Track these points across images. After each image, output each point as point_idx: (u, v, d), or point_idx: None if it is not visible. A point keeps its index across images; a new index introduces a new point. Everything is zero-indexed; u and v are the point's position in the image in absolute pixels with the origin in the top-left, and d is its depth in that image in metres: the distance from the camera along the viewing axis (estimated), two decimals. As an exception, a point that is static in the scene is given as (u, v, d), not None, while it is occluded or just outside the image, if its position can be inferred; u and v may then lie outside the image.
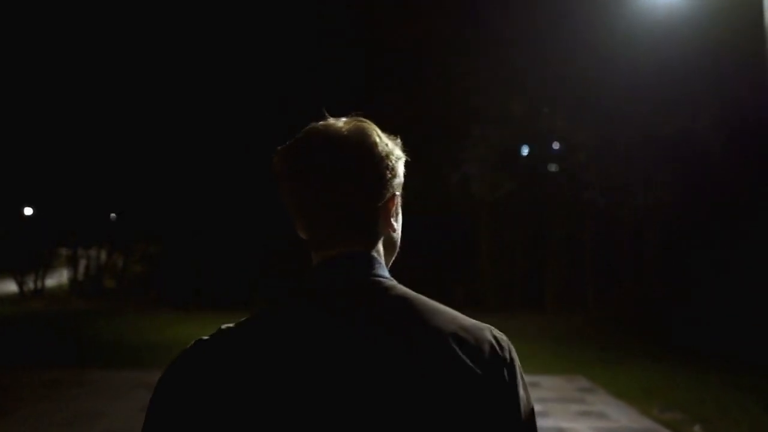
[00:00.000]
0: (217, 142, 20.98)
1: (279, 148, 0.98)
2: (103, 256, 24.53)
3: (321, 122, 0.98)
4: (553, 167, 16.44)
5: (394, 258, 1.04)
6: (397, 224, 1.00)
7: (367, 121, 1.00)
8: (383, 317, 0.87)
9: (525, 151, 17.20)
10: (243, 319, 0.91)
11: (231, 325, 0.90)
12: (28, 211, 24.32)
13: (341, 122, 0.98)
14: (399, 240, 1.03)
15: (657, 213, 13.86)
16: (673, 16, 11.46)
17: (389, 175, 0.95)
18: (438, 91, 14.70)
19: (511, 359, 0.90)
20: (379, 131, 0.99)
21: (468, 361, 0.85)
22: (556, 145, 16.12)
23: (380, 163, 0.94)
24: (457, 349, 0.85)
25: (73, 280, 22.26)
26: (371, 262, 0.93)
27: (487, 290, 15.57)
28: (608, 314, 14.47)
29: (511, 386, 0.88)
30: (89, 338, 12.03)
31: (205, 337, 0.89)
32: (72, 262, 22.42)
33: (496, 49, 13.38)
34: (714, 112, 11.59)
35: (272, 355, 0.84)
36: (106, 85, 21.08)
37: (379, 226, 0.96)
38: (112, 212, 23.23)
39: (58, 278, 23.74)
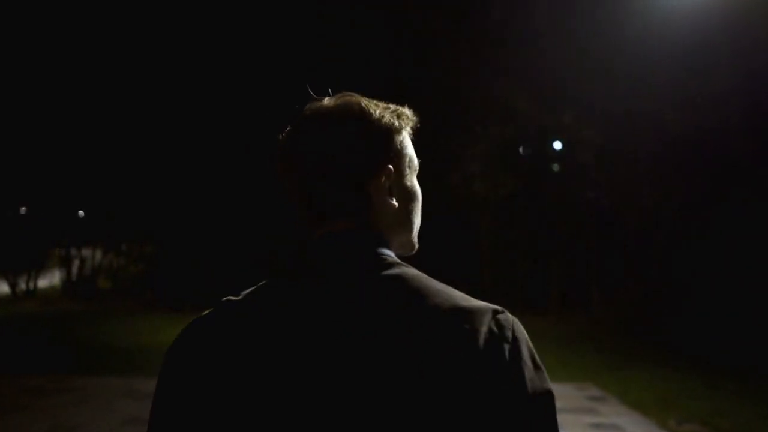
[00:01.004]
0: (216, 140, 20.74)
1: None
2: (98, 256, 24.16)
3: (312, 103, 0.99)
4: (555, 167, 16.17)
5: (408, 236, 1.00)
6: (398, 200, 0.97)
7: (356, 95, 0.98)
8: (379, 294, 0.86)
9: (524, 151, 16.94)
10: (245, 291, 0.92)
11: (233, 297, 0.92)
12: (22, 210, 23.92)
13: (327, 99, 0.98)
14: (409, 217, 1.00)
15: (665, 213, 13.44)
16: (690, 7, 11.09)
17: (377, 147, 0.94)
18: (439, 86, 14.36)
19: (515, 338, 0.85)
20: (371, 102, 0.97)
21: (466, 340, 0.82)
22: (558, 145, 15.93)
23: (366, 135, 0.93)
24: (455, 328, 0.83)
25: (66, 281, 21.84)
26: (368, 238, 0.92)
27: (487, 291, 15.18)
28: (612, 317, 14.08)
29: (514, 367, 0.83)
30: (79, 341, 11.61)
31: (206, 312, 0.91)
32: (65, 263, 21.99)
33: (501, 43, 13.02)
34: (734, 109, 11.17)
35: (269, 330, 0.85)
36: (101, 82, 20.76)
37: (373, 201, 0.94)
38: (80, 210, 22.66)
39: (50, 279, 23.34)
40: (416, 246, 1.03)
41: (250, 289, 0.93)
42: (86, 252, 24.20)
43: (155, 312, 17.19)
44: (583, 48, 11.96)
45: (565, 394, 7.73)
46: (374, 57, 17.25)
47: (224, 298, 0.93)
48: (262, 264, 20.81)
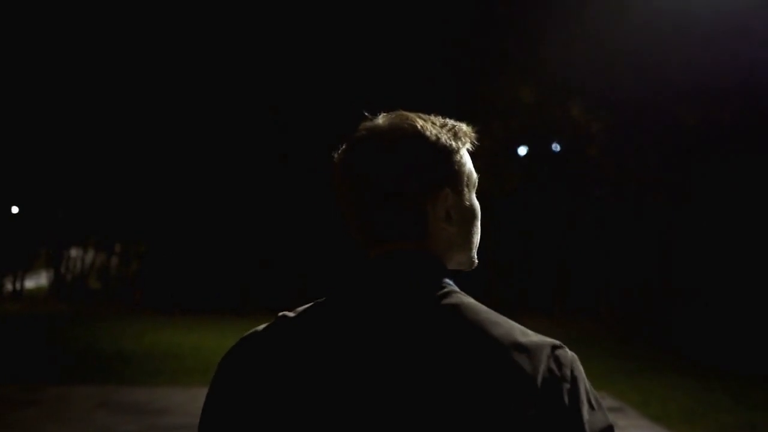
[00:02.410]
0: (208, 146, 20.40)
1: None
2: (90, 256, 23.61)
3: (366, 122, 0.97)
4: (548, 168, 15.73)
5: (467, 255, 0.97)
6: (457, 221, 0.93)
7: (410, 114, 0.96)
8: (434, 324, 0.83)
9: (524, 151, 16.78)
10: (300, 308, 0.93)
11: (290, 314, 0.92)
12: (14, 209, 23.24)
13: (382, 118, 0.96)
14: (468, 238, 0.97)
15: (674, 212, 12.85)
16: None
17: (433, 170, 0.91)
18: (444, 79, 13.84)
19: (573, 378, 0.81)
20: (427, 122, 0.95)
21: (524, 379, 0.78)
22: (556, 147, 15.65)
23: (421, 157, 0.91)
24: (513, 365, 0.79)
25: (53, 282, 21.25)
26: (425, 262, 0.90)
27: (492, 294, 14.60)
28: (617, 318, 13.49)
29: (572, 408, 0.79)
30: (60, 346, 10.97)
31: (262, 326, 0.92)
32: (53, 263, 21.39)
33: (508, 35, 12.50)
34: (740, 102, 10.61)
35: (321, 352, 0.84)
36: (97, 83, 20.31)
37: (429, 224, 0.91)
38: (64, 209, 21.92)
39: (37, 280, 22.69)
40: (476, 262, 1.01)
41: (306, 306, 0.93)
42: (76, 252, 23.66)
43: (143, 315, 16.51)
44: (593, 40, 11.40)
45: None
46: (374, 53, 16.83)
47: (280, 314, 0.93)
48: (253, 269, 20.51)
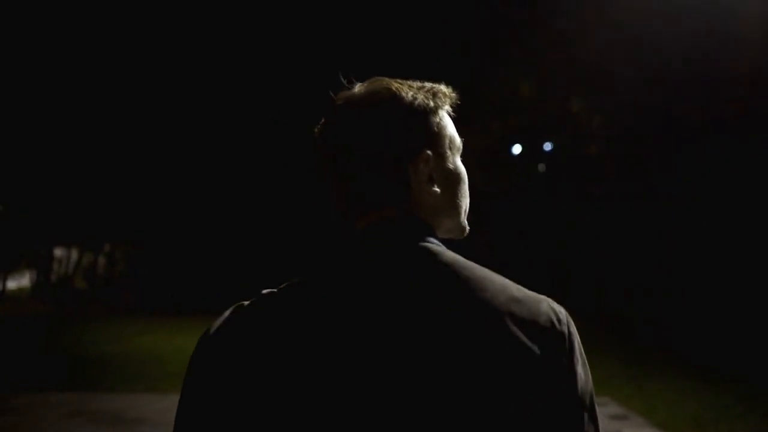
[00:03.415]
0: (200, 144, 20.07)
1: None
2: (75, 255, 23.14)
3: (343, 91, 0.95)
4: (541, 167, 15.62)
5: (455, 221, 0.95)
6: (441, 185, 0.91)
7: (386, 78, 0.95)
8: (428, 287, 0.81)
9: (517, 150, 16.45)
10: (284, 284, 0.87)
11: (273, 290, 0.87)
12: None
13: (358, 86, 0.95)
14: (454, 201, 0.94)
15: (677, 210, 12.50)
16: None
17: (412, 132, 0.90)
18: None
19: (570, 333, 0.83)
20: (403, 84, 0.93)
21: (522, 336, 0.79)
22: (547, 146, 15.54)
23: (398, 119, 0.89)
24: (511, 323, 0.79)
25: (37, 283, 20.74)
26: (412, 226, 0.89)
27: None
28: (621, 321, 13.12)
29: (569, 364, 0.81)
30: (37, 350, 10.49)
31: (246, 302, 0.87)
32: (36, 263, 20.88)
33: (507, 33, 12.19)
34: (745, 97, 10.27)
35: (309, 325, 0.80)
36: (82, 81, 19.86)
37: (412, 188, 0.90)
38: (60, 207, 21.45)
39: (19, 280, 22.14)
40: (467, 229, 0.98)
41: (292, 281, 0.87)
42: (61, 252, 23.17)
43: (129, 316, 16.03)
44: (593, 33, 11.05)
45: (581, 412, 6.73)
46: (372, 48, 16.54)
47: (264, 290, 0.87)
48: (245, 269, 20.17)
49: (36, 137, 19.96)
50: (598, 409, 0.84)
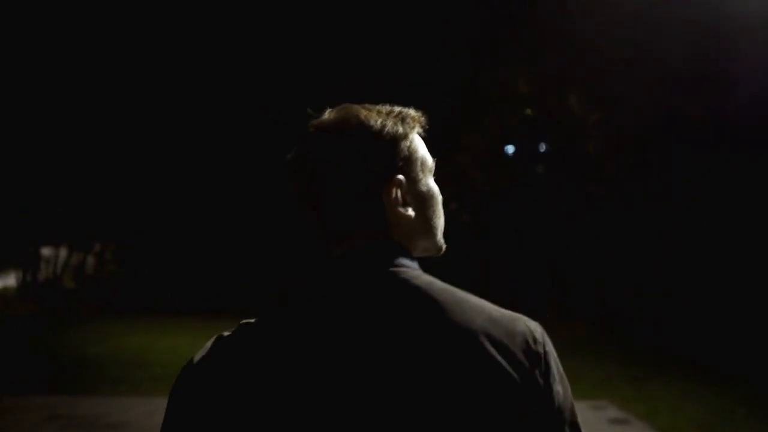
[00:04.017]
0: (191, 144, 19.81)
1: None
2: (63, 255, 22.81)
3: (313, 119, 0.97)
4: (541, 167, 15.53)
5: (431, 241, 0.97)
6: (415, 207, 0.93)
7: (355, 106, 0.96)
8: (402, 312, 0.82)
9: (511, 149, 16.27)
10: (261, 314, 0.89)
11: (251, 320, 0.89)
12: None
13: (328, 113, 0.96)
14: (429, 223, 0.96)
15: (677, 210, 12.33)
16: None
17: (382, 158, 0.91)
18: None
19: (546, 352, 0.84)
20: (372, 111, 0.95)
21: (499, 357, 0.80)
22: (542, 147, 15.42)
23: (368, 147, 0.91)
24: (487, 344, 0.80)
25: (23, 282, 20.38)
26: (386, 251, 0.89)
27: (482, 296, 14.00)
28: (620, 322, 12.93)
29: (546, 382, 0.82)
30: (19, 351, 10.16)
31: (226, 333, 0.88)
32: (21, 263, 20.55)
33: (506, 26, 12.02)
34: (746, 93, 10.09)
35: (287, 357, 0.81)
36: (69, 78, 19.51)
37: (387, 212, 0.91)
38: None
39: (5, 280, 21.75)
40: (443, 246, 1.00)
41: (270, 310, 0.89)
42: (49, 251, 22.82)
43: (117, 316, 15.68)
44: (592, 29, 10.87)
45: (580, 416, 6.51)
46: (368, 47, 16.36)
47: (243, 321, 0.89)
48: (234, 269, 19.97)
49: (23, 136, 19.62)
50: (580, 421, 0.86)
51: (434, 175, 1.00)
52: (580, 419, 0.86)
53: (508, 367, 0.79)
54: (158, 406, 6.66)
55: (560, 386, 0.84)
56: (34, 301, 19.15)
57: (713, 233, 11.79)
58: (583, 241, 14.07)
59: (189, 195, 20.31)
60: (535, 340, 0.84)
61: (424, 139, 0.99)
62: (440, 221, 0.98)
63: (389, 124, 0.92)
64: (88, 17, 19.32)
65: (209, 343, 0.87)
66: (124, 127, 19.93)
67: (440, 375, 0.77)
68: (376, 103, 0.98)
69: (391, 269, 0.87)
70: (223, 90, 19.51)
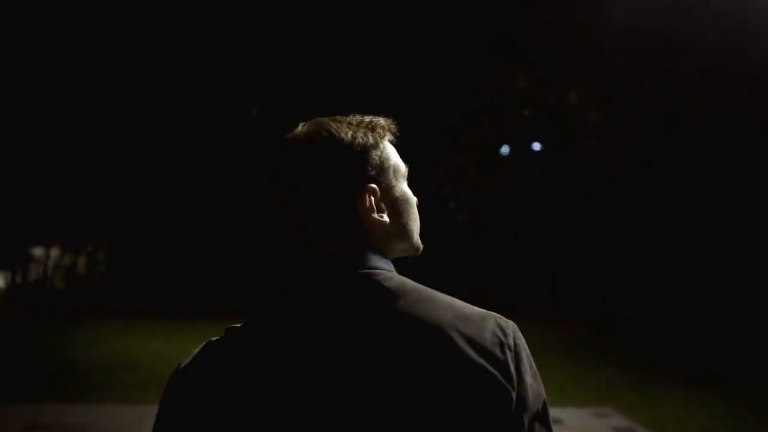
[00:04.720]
0: (185, 144, 19.54)
1: None
2: (54, 255, 22.49)
3: (287, 134, 1.01)
4: (540, 167, 15.20)
5: (407, 244, 1.01)
6: (390, 214, 0.97)
7: (325, 119, 0.99)
8: (376, 310, 0.86)
9: (505, 150, 16.08)
10: (247, 319, 0.92)
11: (237, 325, 0.92)
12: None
13: (301, 126, 1.00)
14: (405, 227, 1.00)
15: (677, 209, 12.12)
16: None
17: (353, 169, 0.95)
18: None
19: (516, 345, 0.87)
20: (342, 123, 0.98)
21: (468, 350, 0.83)
22: (536, 146, 15.33)
23: (338, 158, 0.94)
24: (456, 338, 0.83)
25: (12, 283, 20.06)
26: (361, 256, 0.93)
27: (478, 297, 13.78)
28: (611, 323, 12.73)
29: (518, 376, 0.84)
30: (1, 355, 9.85)
31: (215, 338, 0.91)
32: (11, 264, 20.22)
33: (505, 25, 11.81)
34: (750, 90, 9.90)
35: (271, 361, 0.85)
36: (60, 78, 19.23)
37: (362, 220, 0.94)
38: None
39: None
40: (420, 247, 1.03)
41: (254, 316, 0.92)
42: (40, 251, 22.49)
43: (107, 318, 15.35)
44: (591, 24, 10.65)
45: (580, 424, 6.28)
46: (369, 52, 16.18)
47: (229, 326, 0.92)
48: (226, 272, 19.74)
49: (14, 135, 19.31)
50: (550, 415, 0.88)
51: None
52: (551, 418, 0.88)
53: (478, 360, 0.81)
54: (144, 414, 6.38)
55: (533, 380, 0.85)
56: (23, 302, 18.81)
57: (713, 233, 11.60)
58: (582, 242, 13.86)
59: (182, 196, 20.05)
60: (504, 334, 0.86)
61: (401, 147, 1.02)
62: (415, 224, 1.02)
63: (359, 135, 0.96)
64: (85, 18, 19.07)
65: (197, 350, 0.90)
66: (116, 127, 19.66)
67: (410, 369, 0.80)
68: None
69: (365, 272, 0.90)
70: (222, 90, 19.28)
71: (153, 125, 19.51)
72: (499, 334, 0.86)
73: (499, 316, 0.90)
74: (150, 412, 6.53)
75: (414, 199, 1.02)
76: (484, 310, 0.90)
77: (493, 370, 0.81)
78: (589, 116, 11.21)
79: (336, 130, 0.95)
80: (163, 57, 19.24)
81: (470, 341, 0.83)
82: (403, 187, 1.00)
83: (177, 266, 20.17)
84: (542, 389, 0.87)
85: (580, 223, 13.86)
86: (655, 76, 10.32)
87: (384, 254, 0.95)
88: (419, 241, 1.02)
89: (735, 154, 10.89)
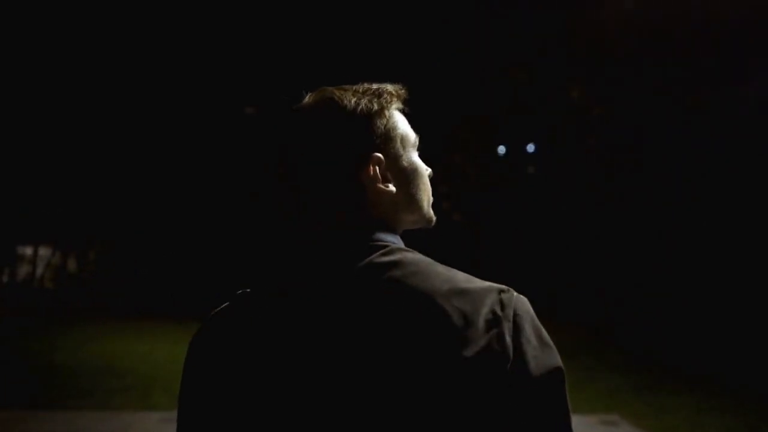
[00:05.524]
0: (176, 144, 19.31)
1: None
2: (42, 254, 22.14)
3: (294, 105, 0.99)
4: (530, 169, 15.15)
5: (418, 214, 0.98)
6: (397, 184, 0.94)
7: (330, 87, 0.97)
8: (374, 282, 0.85)
9: (501, 150, 15.94)
10: (256, 284, 0.93)
11: (246, 290, 0.93)
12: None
13: (307, 97, 0.98)
14: (414, 197, 0.97)
15: (679, 211, 11.90)
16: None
17: (358, 137, 0.92)
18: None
19: (516, 315, 0.83)
20: (347, 91, 0.95)
21: (458, 323, 0.80)
22: (531, 147, 15.19)
23: (342, 126, 0.92)
24: (450, 312, 0.81)
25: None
26: (365, 226, 0.92)
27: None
28: (611, 325, 12.48)
29: (515, 345, 0.81)
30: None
31: (224, 305, 0.93)
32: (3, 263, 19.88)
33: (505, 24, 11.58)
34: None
35: (284, 325, 0.85)
36: (53, 77, 18.92)
37: (367, 190, 0.92)
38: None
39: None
40: (432, 217, 1.01)
41: (262, 283, 0.93)
42: (29, 251, 22.12)
43: (95, 319, 15.01)
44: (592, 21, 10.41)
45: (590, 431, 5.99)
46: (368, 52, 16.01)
47: (239, 291, 0.93)
48: (216, 272, 19.51)
49: (3, 133, 18.97)
50: (566, 384, 0.83)
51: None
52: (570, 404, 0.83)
53: (477, 328, 0.79)
54: (129, 422, 6.05)
55: (536, 350, 0.81)
56: (10, 302, 18.43)
57: (713, 233, 11.38)
58: (582, 242, 13.62)
59: (176, 196, 19.84)
60: (503, 306, 0.83)
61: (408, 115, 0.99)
62: (425, 195, 0.99)
63: (363, 102, 0.93)
64: (79, 17, 18.78)
65: (210, 315, 0.92)
66: (109, 125, 19.40)
67: (398, 338, 0.79)
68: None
69: (366, 243, 0.89)
70: (220, 90, 19.07)
71: (146, 124, 19.27)
72: (497, 308, 0.83)
73: (507, 289, 0.86)
74: (134, 420, 6.17)
75: (425, 169, 0.99)
76: (491, 284, 0.87)
77: (483, 342, 0.79)
78: (589, 115, 10.98)
79: (339, 97, 0.93)
80: (157, 56, 19.01)
81: (463, 315, 0.81)
82: (412, 157, 0.97)
83: (170, 267, 19.91)
84: (553, 360, 0.82)
85: (579, 223, 13.63)
86: (655, 74, 10.10)
87: (390, 225, 0.93)
88: (431, 211, 1.00)
89: (735, 154, 10.68)
